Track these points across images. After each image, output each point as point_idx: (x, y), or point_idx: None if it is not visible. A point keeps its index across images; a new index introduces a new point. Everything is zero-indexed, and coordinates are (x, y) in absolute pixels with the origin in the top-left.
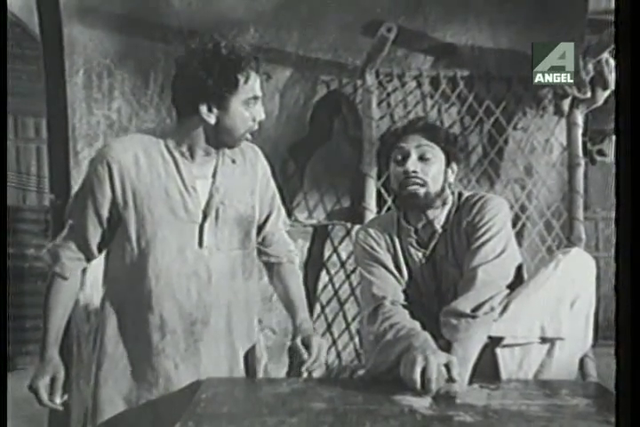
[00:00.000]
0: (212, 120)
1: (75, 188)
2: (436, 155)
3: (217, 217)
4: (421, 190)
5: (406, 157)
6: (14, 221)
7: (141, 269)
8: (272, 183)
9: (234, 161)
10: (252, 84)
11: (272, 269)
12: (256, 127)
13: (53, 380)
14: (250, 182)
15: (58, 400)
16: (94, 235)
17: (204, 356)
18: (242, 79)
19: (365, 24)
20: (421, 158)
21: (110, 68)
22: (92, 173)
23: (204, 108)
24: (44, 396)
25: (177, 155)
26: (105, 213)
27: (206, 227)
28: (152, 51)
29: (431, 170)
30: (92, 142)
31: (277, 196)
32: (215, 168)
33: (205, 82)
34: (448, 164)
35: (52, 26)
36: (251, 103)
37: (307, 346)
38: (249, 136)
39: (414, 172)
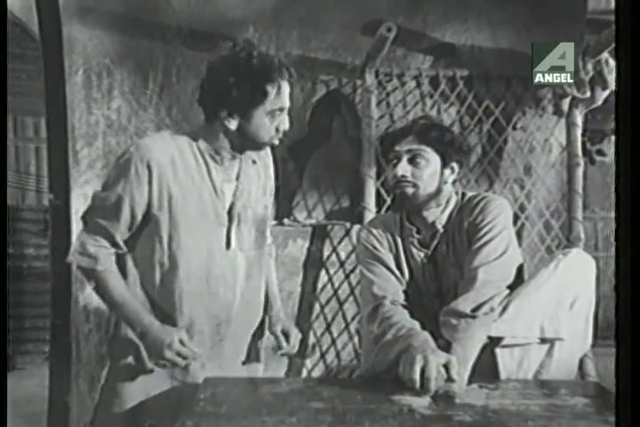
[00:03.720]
0: (232, 126)
1: (78, 187)
2: (429, 158)
3: (239, 219)
4: (410, 190)
5: (398, 160)
6: (13, 220)
7: (171, 270)
8: (274, 182)
9: (254, 162)
10: (282, 96)
11: None
12: (280, 136)
13: (181, 341)
14: (264, 183)
15: (196, 349)
16: (124, 234)
17: (228, 354)
18: (272, 91)
19: (365, 24)
20: (412, 162)
21: (110, 67)
22: (130, 172)
23: (224, 115)
24: (187, 351)
25: (208, 158)
26: (139, 214)
27: (233, 229)
28: (151, 50)
29: (423, 173)
30: (91, 142)
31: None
32: (239, 171)
33: (230, 91)
34: (445, 165)
35: (52, 25)
36: (276, 114)
37: (286, 335)
38: (276, 142)
39: (403, 176)
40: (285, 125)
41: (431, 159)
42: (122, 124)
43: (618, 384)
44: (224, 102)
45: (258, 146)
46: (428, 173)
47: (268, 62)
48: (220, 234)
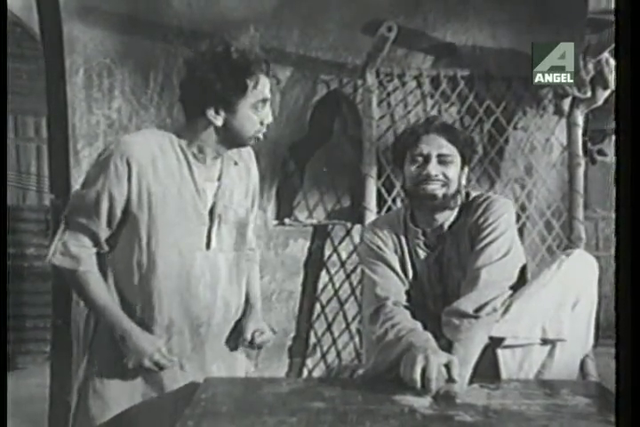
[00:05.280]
0: (218, 122)
1: (77, 186)
2: (455, 157)
3: (220, 220)
4: (440, 191)
5: (427, 159)
6: (14, 220)
7: (150, 270)
8: (257, 185)
9: (236, 163)
10: (262, 88)
11: None
12: (264, 130)
13: (160, 351)
14: (246, 185)
15: (175, 358)
16: (105, 232)
17: (209, 356)
18: (251, 84)
19: (365, 23)
20: (442, 162)
21: (110, 67)
22: (109, 169)
23: (211, 111)
24: (166, 362)
25: (190, 156)
26: (118, 212)
27: (214, 229)
28: (152, 50)
29: (450, 172)
30: (91, 142)
31: (257, 196)
32: (220, 171)
33: (214, 86)
34: (463, 165)
35: (52, 25)
36: (259, 106)
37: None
38: (261, 136)
39: (436, 175)
40: (269, 118)
41: (455, 159)
42: (123, 123)
43: (618, 384)
44: (209, 98)
45: (243, 141)
46: (453, 172)
47: (246, 55)
48: (200, 234)
